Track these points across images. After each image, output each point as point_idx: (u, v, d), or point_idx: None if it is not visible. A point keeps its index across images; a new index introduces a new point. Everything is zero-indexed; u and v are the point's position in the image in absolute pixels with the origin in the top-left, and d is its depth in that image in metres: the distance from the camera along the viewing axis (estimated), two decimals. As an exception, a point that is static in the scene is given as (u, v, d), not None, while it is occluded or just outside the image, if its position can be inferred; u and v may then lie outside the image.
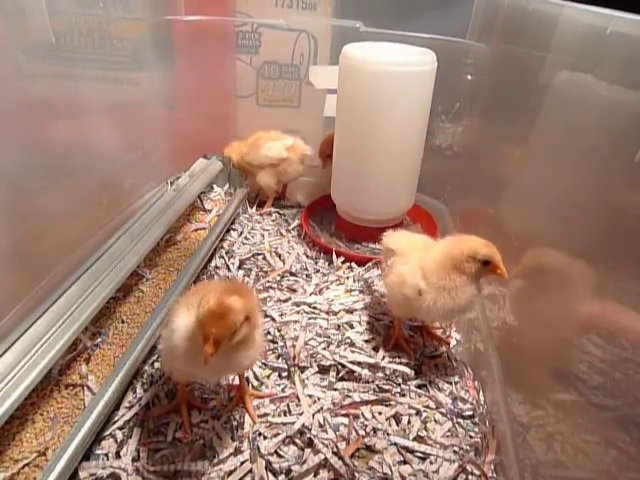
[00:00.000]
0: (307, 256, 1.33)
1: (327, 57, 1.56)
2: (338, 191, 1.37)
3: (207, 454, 0.80)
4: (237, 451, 0.81)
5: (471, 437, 0.87)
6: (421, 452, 0.83)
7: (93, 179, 1.18)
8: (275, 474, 0.78)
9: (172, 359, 0.75)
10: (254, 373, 0.95)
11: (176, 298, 1.04)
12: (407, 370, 0.97)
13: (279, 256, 1.31)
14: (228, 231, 1.40)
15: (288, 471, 0.78)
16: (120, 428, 0.83)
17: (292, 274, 1.25)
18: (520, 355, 0.93)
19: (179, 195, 1.34)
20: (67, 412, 0.84)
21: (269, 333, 1.04)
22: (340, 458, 0.80)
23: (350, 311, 1.13)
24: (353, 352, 1.00)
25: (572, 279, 0.77)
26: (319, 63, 1.57)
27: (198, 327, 0.66)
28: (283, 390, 0.92)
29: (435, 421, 0.89)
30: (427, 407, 0.91)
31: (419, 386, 0.96)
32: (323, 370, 0.97)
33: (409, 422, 0.88)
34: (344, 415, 0.88)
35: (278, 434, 0.83)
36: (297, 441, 0.83)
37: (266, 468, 0.79)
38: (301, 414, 0.87)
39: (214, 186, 1.57)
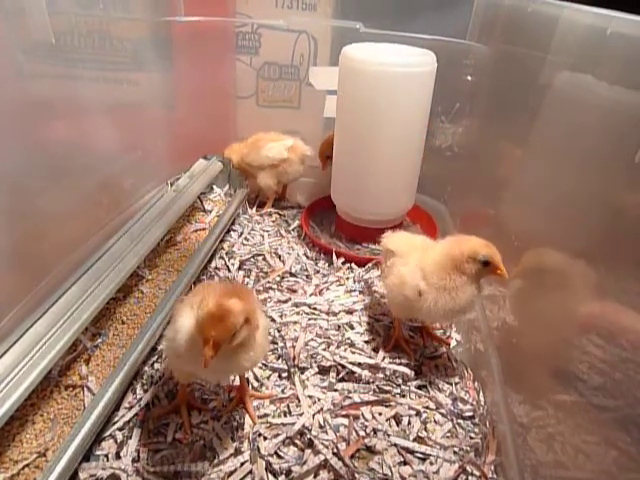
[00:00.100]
0: (307, 257, 1.33)
1: (327, 58, 1.56)
2: (338, 192, 1.37)
3: (207, 455, 0.80)
4: (237, 452, 0.80)
5: (471, 438, 0.87)
6: (421, 453, 0.83)
7: (93, 179, 1.18)
8: (275, 475, 0.78)
9: (174, 358, 0.75)
10: (254, 374, 0.95)
11: (177, 298, 1.04)
12: (407, 371, 0.97)
13: (279, 257, 1.31)
14: (228, 232, 1.40)
15: (288, 472, 0.78)
16: (120, 429, 0.83)
17: (292, 275, 1.25)
18: (520, 355, 0.93)
19: (179, 196, 1.34)
20: (67, 413, 0.84)
21: (269, 334, 1.04)
22: (340, 459, 0.80)
23: (350, 312, 1.13)
24: (353, 353, 1.00)
25: (572, 279, 0.78)
26: (319, 64, 1.57)
27: (198, 330, 0.66)
28: (283, 391, 0.92)
29: (435, 422, 0.89)
30: (427, 408, 0.91)
31: (419, 387, 0.96)
32: (323, 371, 0.97)
33: (409, 423, 0.88)
34: (344, 416, 0.88)
35: (278, 435, 0.83)
36: (297, 442, 0.83)
37: (266, 469, 0.79)
38: (301, 415, 0.87)
39: (214, 187, 1.57)
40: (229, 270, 1.25)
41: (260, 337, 0.75)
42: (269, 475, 0.78)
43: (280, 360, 0.98)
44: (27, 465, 0.75)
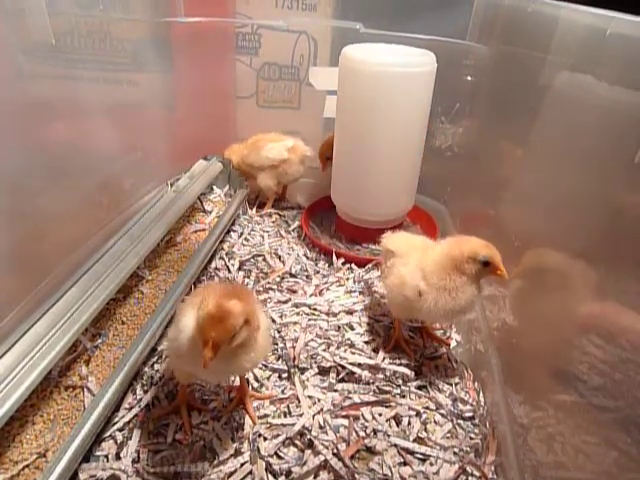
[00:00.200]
0: (307, 257, 1.33)
1: (327, 58, 1.56)
2: (338, 192, 1.37)
3: (207, 455, 0.80)
4: (237, 452, 0.80)
5: (471, 438, 0.87)
6: (421, 453, 0.83)
7: (93, 180, 1.18)
8: (275, 475, 0.78)
9: (176, 358, 0.75)
10: (254, 374, 0.95)
11: (177, 299, 1.04)
12: (407, 371, 0.97)
13: (279, 257, 1.31)
14: (228, 232, 1.40)
15: (288, 472, 0.78)
16: (120, 429, 0.83)
17: (292, 275, 1.25)
18: (520, 356, 0.93)
19: (179, 196, 1.34)
20: (67, 413, 0.84)
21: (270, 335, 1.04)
22: (340, 459, 0.80)
23: (350, 312, 1.12)
24: (353, 353, 1.00)
25: (572, 279, 0.77)
26: (319, 64, 1.57)
27: (197, 331, 0.65)
28: (283, 391, 0.92)
29: (435, 422, 0.89)
30: (427, 408, 0.91)
31: (419, 387, 0.96)
32: (323, 371, 0.97)
33: (409, 423, 0.88)
34: (344, 416, 0.88)
35: (278, 435, 0.83)
36: (297, 442, 0.83)
37: (266, 469, 0.79)
38: (301, 415, 0.86)
39: (214, 187, 1.57)
40: (229, 271, 1.25)
41: (261, 338, 0.75)
42: (269, 476, 0.78)
43: (280, 361, 0.98)
44: (27, 466, 0.75)
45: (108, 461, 0.79)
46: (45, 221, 1.01)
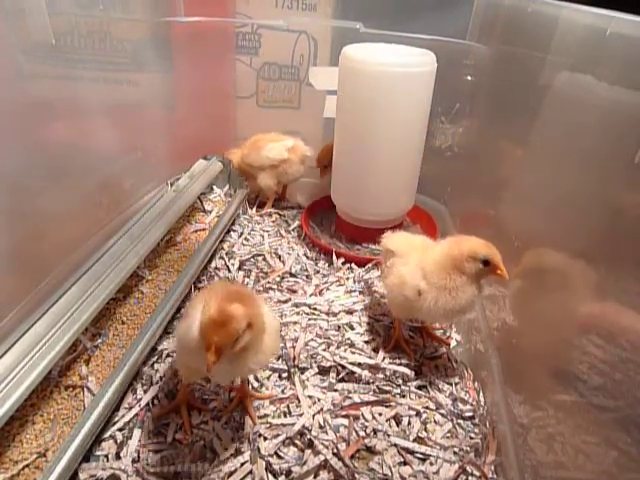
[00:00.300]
0: (307, 257, 1.33)
1: (327, 58, 1.56)
2: (338, 192, 1.37)
3: (207, 455, 0.80)
4: (237, 452, 0.80)
5: (471, 438, 0.87)
6: (421, 453, 0.83)
7: (93, 180, 1.18)
8: (275, 475, 0.78)
9: (184, 355, 0.74)
10: (254, 374, 0.95)
11: (177, 299, 1.05)
12: (407, 371, 0.97)
13: (279, 257, 1.31)
14: (228, 232, 1.40)
15: (288, 472, 0.78)
16: (120, 429, 0.83)
17: (292, 275, 1.25)
18: (520, 356, 0.93)
19: (179, 196, 1.34)
20: (67, 413, 0.84)
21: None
22: (340, 459, 0.80)
23: (350, 312, 1.13)
24: (353, 353, 1.00)
25: (572, 279, 0.77)
26: (319, 64, 1.57)
27: (200, 334, 0.65)
28: (283, 391, 0.92)
29: (435, 422, 0.89)
30: (427, 408, 0.91)
31: (419, 387, 0.96)
32: (323, 371, 0.97)
33: (409, 423, 0.88)
34: (344, 416, 0.88)
35: (278, 435, 0.83)
36: (297, 442, 0.83)
37: (266, 469, 0.79)
38: (301, 415, 0.86)
39: (214, 187, 1.57)
40: (229, 270, 1.25)
41: (268, 339, 0.74)
42: (269, 475, 0.78)
43: (280, 360, 0.98)
44: (27, 465, 0.75)
45: (108, 461, 0.79)
46: (45, 221, 1.01)
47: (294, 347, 1.00)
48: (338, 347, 1.01)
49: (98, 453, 0.80)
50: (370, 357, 0.99)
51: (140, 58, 1.32)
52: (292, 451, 0.82)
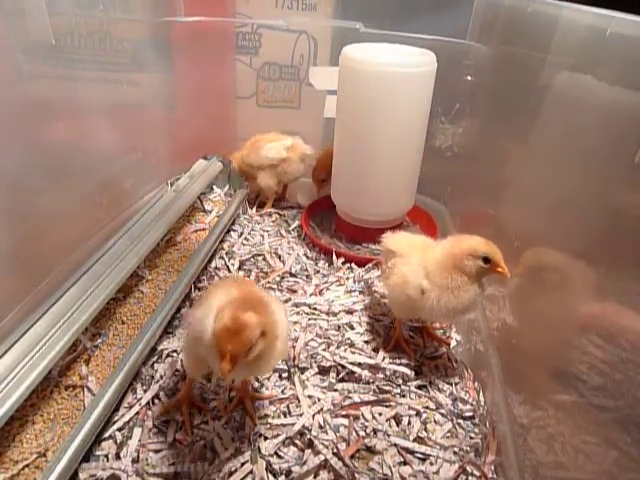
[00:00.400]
0: (307, 257, 1.33)
1: (327, 58, 1.56)
2: (338, 192, 1.37)
3: (207, 455, 0.80)
4: (237, 452, 0.80)
5: (471, 438, 0.87)
6: (421, 453, 0.83)
7: (93, 180, 1.18)
8: (275, 475, 0.78)
9: (195, 345, 0.73)
10: (255, 374, 0.95)
11: (177, 298, 1.05)
12: (407, 371, 0.97)
13: (279, 257, 1.31)
14: (228, 232, 1.40)
15: (288, 472, 0.78)
16: (120, 429, 0.83)
17: (292, 275, 1.25)
18: (520, 356, 0.93)
19: (179, 196, 1.34)
20: (67, 413, 0.84)
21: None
22: (340, 459, 0.80)
23: (350, 312, 1.13)
24: (353, 353, 1.00)
25: (572, 279, 0.78)
26: (319, 64, 1.57)
27: (214, 343, 0.65)
28: (283, 391, 0.92)
29: (435, 422, 0.89)
30: (427, 408, 0.91)
31: (419, 387, 0.96)
32: (323, 371, 0.97)
33: (409, 423, 0.88)
34: (344, 416, 0.88)
35: (278, 435, 0.83)
36: (297, 442, 0.83)
37: (266, 469, 0.79)
38: (301, 415, 0.87)
39: (214, 187, 1.57)
40: (229, 270, 1.25)
41: (280, 344, 0.73)
42: (269, 475, 0.78)
43: (280, 360, 0.98)
44: (27, 465, 0.75)
45: (108, 461, 0.79)
46: (45, 221, 1.01)
47: (294, 347, 1.00)
48: (338, 347, 1.01)
49: (98, 453, 0.80)
50: (370, 357, 0.99)
51: (140, 58, 1.32)
52: (292, 451, 0.82)
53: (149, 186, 1.45)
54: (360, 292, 1.20)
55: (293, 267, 1.27)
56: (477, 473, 0.81)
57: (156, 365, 0.96)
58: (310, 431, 0.83)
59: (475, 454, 0.84)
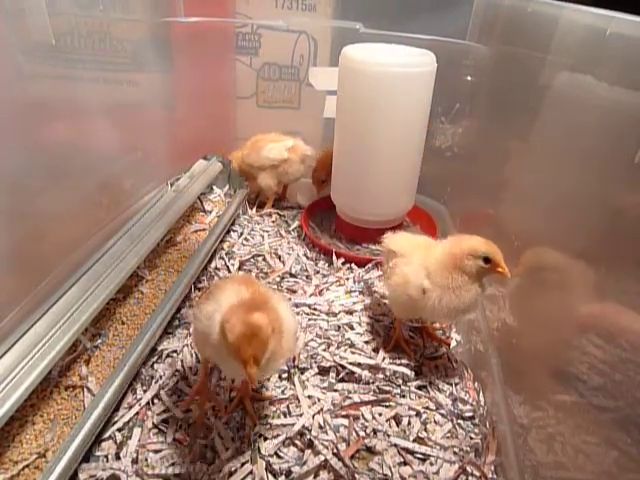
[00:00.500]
0: (307, 257, 1.33)
1: (327, 58, 1.56)
2: (338, 192, 1.37)
3: (207, 455, 0.80)
4: (237, 452, 0.80)
5: (471, 438, 0.87)
6: (421, 453, 0.83)
7: (93, 180, 1.18)
8: (275, 475, 0.78)
9: (205, 342, 0.74)
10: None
11: (177, 299, 1.04)
12: (407, 371, 0.97)
13: (279, 257, 1.31)
14: (228, 232, 1.40)
15: (288, 472, 0.78)
16: (120, 429, 0.83)
17: (292, 275, 1.25)
18: (520, 356, 0.93)
19: (179, 196, 1.34)
20: (67, 413, 0.84)
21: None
22: (340, 459, 0.80)
23: (350, 312, 1.13)
24: (353, 353, 1.00)
25: (572, 279, 0.77)
26: (319, 64, 1.57)
27: (233, 354, 0.65)
28: (283, 392, 0.92)
29: (435, 422, 0.89)
30: (427, 408, 0.91)
31: (419, 387, 0.96)
32: (323, 371, 0.97)
33: (409, 423, 0.88)
34: (344, 416, 0.88)
35: (278, 435, 0.83)
36: (297, 442, 0.83)
37: (266, 469, 0.79)
38: (301, 415, 0.86)
39: (214, 187, 1.57)
40: (229, 270, 1.25)
41: (286, 342, 0.74)
42: (269, 475, 0.78)
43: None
44: (27, 466, 0.75)
45: (108, 461, 0.79)
46: (45, 221, 1.01)
47: (294, 347, 1.00)
48: (338, 347, 1.01)
49: (98, 453, 0.80)
50: (370, 357, 0.99)
51: (140, 58, 1.32)
52: (292, 451, 0.82)
53: (149, 186, 1.45)
54: (360, 292, 1.20)
55: (293, 267, 1.27)
56: (477, 473, 0.81)
57: (156, 365, 0.96)
58: (310, 431, 0.83)
59: (475, 454, 0.84)
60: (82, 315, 0.90)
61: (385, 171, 1.25)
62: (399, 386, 0.95)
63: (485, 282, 0.91)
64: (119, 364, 0.88)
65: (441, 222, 1.50)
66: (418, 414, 0.90)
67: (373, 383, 0.95)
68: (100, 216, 1.21)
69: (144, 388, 0.91)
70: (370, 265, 1.29)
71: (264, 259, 1.30)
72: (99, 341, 0.98)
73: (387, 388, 0.94)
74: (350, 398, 0.91)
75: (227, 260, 1.28)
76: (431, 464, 0.82)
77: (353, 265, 1.30)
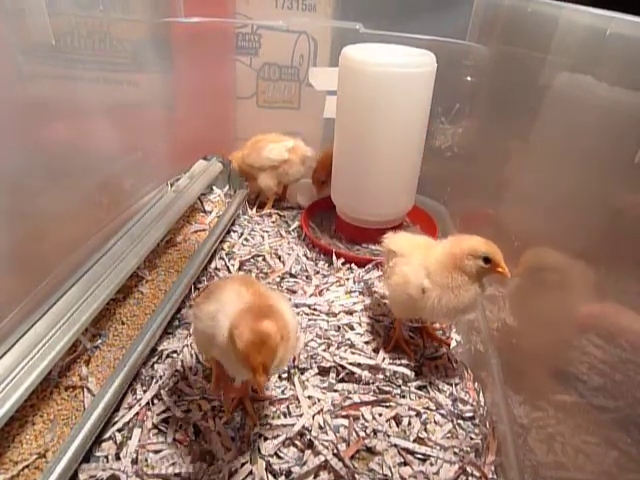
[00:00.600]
0: (307, 257, 1.33)
1: (327, 59, 1.56)
2: (338, 192, 1.37)
3: (207, 456, 0.80)
4: (237, 452, 0.80)
5: (471, 438, 0.87)
6: (421, 454, 0.83)
7: (93, 180, 1.18)
8: (275, 475, 0.78)
9: (209, 343, 0.74)
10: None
11: (177, 299, 1.04)
12: (407, 371, 0.97)
13: (279, 257, 1.31)
14: (228, 232, 1.40)
15: (288, 473, 0.78)
16: (120, 430, 0.83)
17: (292, 275, 1.25)
18: (520, 356, 0.93)
19: (179, 196, 1.34)
20: (67, 414, 0.84)
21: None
22: (340, 460, 0.80)
23: (350, 312, 1.12)
24: (353, 353, 1.00)
25: (572, 279, 0.77)
26: (319, 64, 1.57)
27: (241, 360, 0.66)
28: (283, 392, 0.92)
29: (435, 422, 0.89)
30: (427, 408, 0.91)
31: (419, 387, 0.96)
32: (323, 371, 0.97)
33: (409, 423, 0.88)
34: (344, 416, 0.88)
35: (278, 435, 0.83)
36: (297, 443, 0.83)
37: (266, 469, 0.79)
38: (301, 416, 0.86)
39: (214, 188, 1.57)
40: (229, 271, 1.25)
41: (290, 342, 0.74)
42: (269, 476, 0.78)
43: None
44: (27, 466, 0.75)
45: (108, 461, 0.79)
46: (45, 221, 1.01)
47: (294, 347, 1.00)
48: (338, 347, 1.01)
49: (98, 454, 0.80)
50: (370, 357, 0.99)
51: (140, 58, 1.32)
52: (292, 451, 0.82)
53: (149, 186, 1.45)
54: (360, 293, 1.20)
55: (293, 268, 1.27)
56: (477, 474, 0.81)
57: (156, 366, 0.96)
58: (310, 432, 0.83)
59: (475, 455, 0.84)
60: (82, 315, 0.90)
61: (385, 171, 1.25)
62: (399, 386, 0.95)
63: (485, 282, 0.91)
64: (119, 364, 0.88)
65: (441, 222, 1.50)
66: (418, 414, 0.90)
67: (373, 383, 0.95)
68: (100, 216, 1.21)
69: (144, 388, 0.91)
70: (370, 265, 1.29)
71: (264, 259, 1.30)
72: (99, 341, 0.98)
73: (387, 388, 0.94)
74: (350, 398, 0.91)
75: (227, 260, 1.28)
76: (431, 464, 0.82)
77: (353, 265, 1.30)
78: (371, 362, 0.97)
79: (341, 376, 0.96)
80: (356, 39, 1.33)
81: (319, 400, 0.90)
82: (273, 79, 1.62)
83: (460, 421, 0.90)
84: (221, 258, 1.30)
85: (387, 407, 0.91)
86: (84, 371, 0.91)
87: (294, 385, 0.93)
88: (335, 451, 0.81)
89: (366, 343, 1.03)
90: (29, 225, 0.97)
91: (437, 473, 0.80)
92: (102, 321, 1.03)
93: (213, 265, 1.27)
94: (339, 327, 1.07)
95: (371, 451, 0.83)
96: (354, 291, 1.20)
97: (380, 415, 0.89)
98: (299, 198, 1.66)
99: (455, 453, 0.84)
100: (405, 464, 0.81)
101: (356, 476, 0.78)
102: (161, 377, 0.93)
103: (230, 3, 1.51)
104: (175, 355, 0.99)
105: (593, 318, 0.71)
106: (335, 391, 0.93)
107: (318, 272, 1.28)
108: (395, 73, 1.12)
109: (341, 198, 1.38)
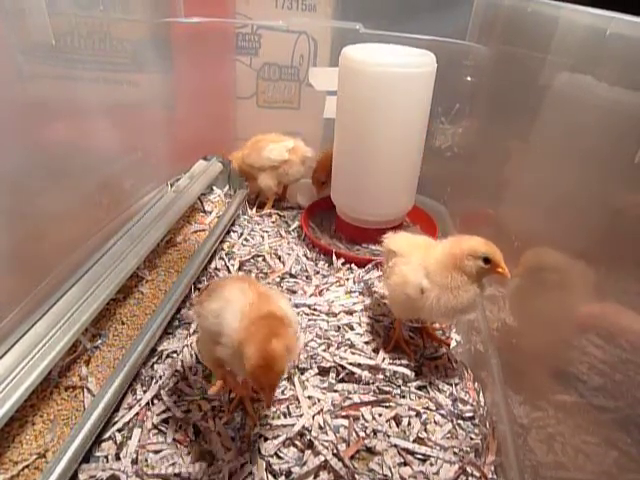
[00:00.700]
0: (307, 258, 1.33)
1: (327, 59, 1.56)
2: (338, 192, 1.37)
3: (207, 456, 0.80)
4: (237, 453, 0.80)
5: (471, 439, 0.87)
6: (421, 454, 0.83)
7: (93, 180, 1.18)
8: (275, 476, 0.78)
9: (212, 341, 0.75)
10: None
11: (177, 299, 1.04)
12: (407, 372, 0.97)
13: (279, 258, 1.31)
14: (228, 233, 1.40)
15: (288, 473, 0.78)
16: (120, 430, 0.83)
17: (292, 275, 1.25)
18: (520, 356, 0.93)
19: (179, 196, 1.35)
20: (67, 414, 0.84)
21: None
22: (340, 460, 0.80)
23: (350, 312, 1.12)
24: (353, 354, 1.00)
25: (572, 279, 0.77)
26: (319, 65, 1.57)
27: (249, 377, 0.67)
28: (283, 392, 0.92)
29: (435, 423, 0.89)
30: (427, 408, 0.91)
31: (419, 387, 0.96)
32: (323, 372, 0.97)
33: (409, 424, 0.88)
34: (344, 417, 0.88)
35: (278, 436, 0.83)
36: (297, 443, 0.83)
37: (266, 470, 0.79)
38: (301, 416, 0.86)
39: (214, 188, 1.57)
40: (229, 271, 1.25)
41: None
42: (269, 476, 0.78)
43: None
44: (27, 466, 0.75)
45: (108, 462, 0.79)
46: (45, 221, 1.01)
47: (294, 347, 1.00)
48: (338, 348, 1.01)
49: (98, 454, 0.80)
50: (370, 358, 0.99)
51: (140, 58, 1.32)
52: (292, 452, 0.82)
53: (149, 186, 1.45)
54: (360, 293, 1.20)
55: (293, 268, 1.27)
56: (477, 474, 0.81)
57: (156, 366, 0.96)
58: (310, 432, 0.83)
59: (475, 455, 0.84)
60: (82, 315, 0.90)
61: (385, 171, 1.25)
62: (399, 386, 0.95)
63: (485, 282, 0.91)
64: (119, 364, 0.88)
65: (441, 222, 1.50)
66: (418, 414, 0.90)
67: (373, 383, 0.95)
68: (100, 216, 1.21)
69: (144, 388, 0.91)
70: (370, 265, 1.29)
71: (264, 259, 1.30)
72: (99, 341, 0.98)
73: (387, 388, 0.94)
74: (350, 398, 0.91)
75: (227, 260, 1.28)
76: (431, 464, 0.82)
77: (353, 265, 1.30)
78: (371, 362, 0.97)
79: (341, 376, 0.96)
80: (356, 39, 1.33)
81: (319, 400, 0.90)
82: (273, 79, 1.62)
83: (460, 421, 0.90)
84: (221, 258, 1.30)
85: (387, 407, 0.91)
86: (84, 371, 0.91)
87: (294, 385, 0.93)
88: (335, 451, 0.81)
89: (366, 343, 1.03)
90: (29, 225, 0.97)
91: (437, 473, 0.80)
92: (102, 321, 1.03)
93: (213, 265, 1.27)
94: (339, 327, 1.07)
95: (371, 451, 0.83)
96: (354, 291, 1.20)
97: (380, 415, 0.89)
98: (299, 198, 1.66)
99: (455, 453, 0.84)
100: (405, 464, 0.81)
101: (356, 476, 0.78)
102: (161, 377, 0.93)
103: (230, 3, 1.51)
104: (175, 355, 0.99)
105: (593, 318, 0.71)
106: (335, 391, 0.93)
107: (318, 272, 1.28)
108: (395, 73, 1.12)
109: (341, 198, 1.38)
